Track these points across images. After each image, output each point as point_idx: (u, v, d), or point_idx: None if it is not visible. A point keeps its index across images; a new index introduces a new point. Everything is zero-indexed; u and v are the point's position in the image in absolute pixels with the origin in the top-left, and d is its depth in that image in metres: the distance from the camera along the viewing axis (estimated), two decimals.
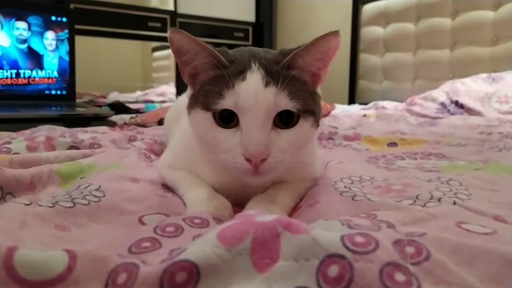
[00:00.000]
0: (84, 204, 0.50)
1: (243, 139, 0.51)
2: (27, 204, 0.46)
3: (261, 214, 0.36)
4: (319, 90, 0.60)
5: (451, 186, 0.60)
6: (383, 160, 0.90)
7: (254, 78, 0.52)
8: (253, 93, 0.51)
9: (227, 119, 0.53)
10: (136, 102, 2.91)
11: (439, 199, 0.53)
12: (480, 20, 2.35)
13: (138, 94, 3.18)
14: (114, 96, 2.96)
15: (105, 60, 3.12)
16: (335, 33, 0.53)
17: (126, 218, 0.51)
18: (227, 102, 0.52)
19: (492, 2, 2.31)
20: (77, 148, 0.94)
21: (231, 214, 0.56)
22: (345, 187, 0.60)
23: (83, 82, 2.64)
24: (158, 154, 0.97)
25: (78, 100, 2.50)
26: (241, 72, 0.52)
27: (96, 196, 0.53)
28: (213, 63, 0.54)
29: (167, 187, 0.67)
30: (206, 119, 0.54)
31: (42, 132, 1.25)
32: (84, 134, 1.14)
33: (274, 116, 0.52)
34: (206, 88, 0.55)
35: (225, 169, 0.56)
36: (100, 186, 0.57)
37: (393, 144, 1.12)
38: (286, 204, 0.59)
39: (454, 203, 0.52)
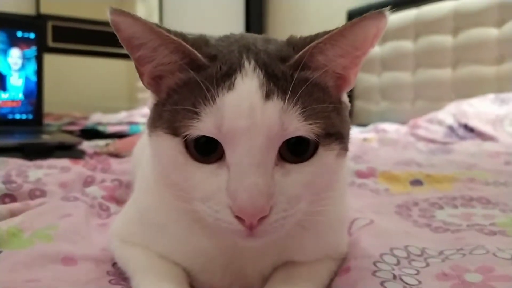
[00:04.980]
0: None
1: (230, 183, 0.33)
2: None
3: None
4: (345, 97, 0.41)
5: None
6: (417, 210, 0.69)
7: (247, 86, 0.34)
8: (245, 110, 0.33)
9: (207, 149, 0.35)
10: (120, 123, 2.69)
11: None
12: (484, 38, 2.21)
13: (123, 115, 2.96)
14: (97, 117, 2.75)
15: (89, 79, 2.95)
16: (377, 15, 0.34)
17: None
18: (204, 125, 0.33)
19: (496, 18, 2.17)
20: (12, 196, 0.71)
21: None
22: (394, 276, 0.39)
23: (64, 103, 2.46)
24: (120, 202, 0.74)
25: (57, 122, 2.28)
26: (227, 76, 0.34)
27: None
28: (184, 62, 0.36)
29: (120, 270, 0.45)
30: (174, 149, 0.35)
31: None
32: (36, 172, 0.91)
33: (280, 145, 0.34)
34: (173, 100, 0.36)
35: (204, 228, 0.38)
36: None
37: (417, 182, 0.91)
38: None
39: None
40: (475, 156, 1.36)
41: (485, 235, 0.54)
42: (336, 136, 0.36)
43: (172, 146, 0.35)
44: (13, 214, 0.60)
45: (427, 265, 0.43)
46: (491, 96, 2.04)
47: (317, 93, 0.36)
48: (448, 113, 2.03)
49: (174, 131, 0.35)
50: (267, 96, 0.33)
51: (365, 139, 1.92)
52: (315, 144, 0.35)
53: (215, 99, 0.33)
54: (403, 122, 2.24)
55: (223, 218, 0.34)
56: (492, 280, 0.38)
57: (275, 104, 0.33)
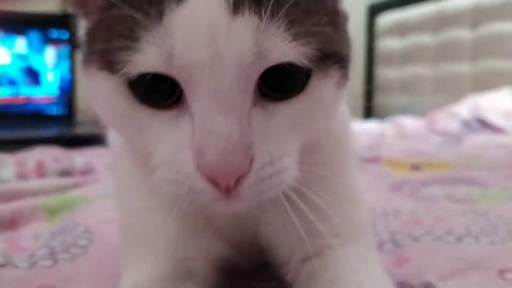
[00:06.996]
0: (67, 260, 0.42)
1: (196, 135, 0.25)
2: (2, 265, 0.41)
3: None
4: (341, 4, 0.30)
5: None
6: (407, 188, 0.80)
7: None
8: (204, 32, 0.24)
9: (160, 90, 0.26)
10: None
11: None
12: (503, 32, 2.24)
13: None
14: None
15: None
16: None
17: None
18: (147, 58, 0.24)
19: None
20: (69, 175, 0.87)
21: None
22: None
23: None
24: None
25: (90, 117, 2.42)
26: None
27: (81, 246, 0.45)
28: None
29: None
30: (112, 91, 0.27)
31: (34, 155, 1.17)
32: (80, 158, 1.06)
33: (257, 79, 0.26)
34: (106, 23, 0.26)
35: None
36: (89, 229, 0.50)
37: (416, 167, 1.01)
38: None
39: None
40: (483, 148, 1.41)
41: (453, 203, 0.65)
42: (335, 58, 0.27)
43: (109, 87, 0.26)
44: (75, 186, 0.75)
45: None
46: (507, 89, 2.07)
47: (306, 0, 0.26)
48: (464, 107, 2.07)
49: (109, 67, 0.26)
50: (236, 9, 0.24)
51: (381, 134, 1.98)
52: (307, 72, 0.26)
53: (160, 17, 0.24)
54: (422, 115, 2.26)
55: (192, 184, 0.26)
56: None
57: (248, 20, 0.24)
